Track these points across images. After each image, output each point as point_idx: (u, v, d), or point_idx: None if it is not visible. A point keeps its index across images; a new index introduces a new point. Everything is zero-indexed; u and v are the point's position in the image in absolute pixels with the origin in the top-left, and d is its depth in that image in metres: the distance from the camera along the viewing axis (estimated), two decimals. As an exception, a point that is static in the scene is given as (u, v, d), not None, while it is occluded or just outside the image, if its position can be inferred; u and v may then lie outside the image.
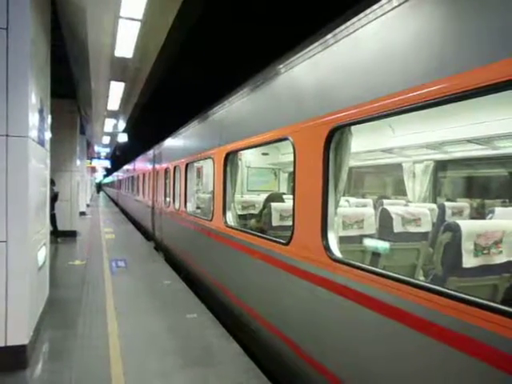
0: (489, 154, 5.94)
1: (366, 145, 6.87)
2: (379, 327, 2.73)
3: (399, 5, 2.65)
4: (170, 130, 10.83)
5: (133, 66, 8.19)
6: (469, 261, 2.96)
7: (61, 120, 11.10)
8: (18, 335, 4.10)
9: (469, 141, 5.68)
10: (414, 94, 2.45)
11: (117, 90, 10.11)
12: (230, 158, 5.87)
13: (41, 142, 4.86)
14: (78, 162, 14.75)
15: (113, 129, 16.87)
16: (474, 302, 2.09)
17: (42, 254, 5.06)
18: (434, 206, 6.04)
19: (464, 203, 6.42)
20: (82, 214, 19.37)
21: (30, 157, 4.19)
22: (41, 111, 4.85)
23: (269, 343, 4.41)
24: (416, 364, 2.47)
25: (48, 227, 5.95)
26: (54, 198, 11.42)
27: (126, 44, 6.83)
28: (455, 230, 3.00)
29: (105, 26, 6.08)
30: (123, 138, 18.64)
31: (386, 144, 6.80)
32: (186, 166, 8.47)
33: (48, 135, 5.52)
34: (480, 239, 3.01)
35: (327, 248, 3.29)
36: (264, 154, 9.73)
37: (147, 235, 14.57)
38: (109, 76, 8.90)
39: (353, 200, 7.24)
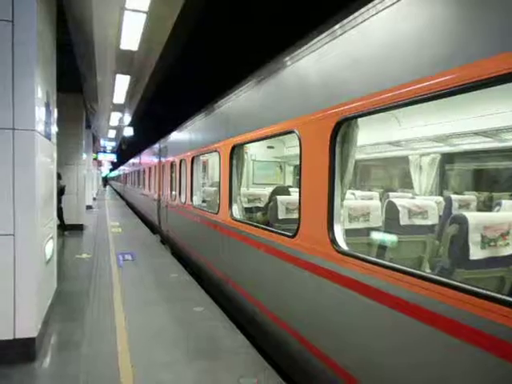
0: (496, 146, 5.91)
1: (373, 137, 6.87)
2: (385, 319, 2.73)
3: None
4: (176, 123, 10.81)
5: (138, 59, 8.17)
6: (476, 253, 2.98)
7: (67, 114, 11.08)
8: (27, 328, 4.12)
9: (476, 133, 5.64)
10: (421, 85, 2.42)
11: (122, 83, 10.09)
12: (236, 151, 5.86)
13: (47, 136, 4.85)
14: (84, 156, 14.78)
15: (118, 122, 16.88)
16: (480, 294, 2.08)
17: (50, 248, 5.07)
18: (440, 198, 6.02)
19: (471, 196, 6.37)
20: (89, 207, 19.44)
21: (37, 150, 4.18)
22: (47, 105, 4.84)
23: (274, 334, 4.43)
24: (419, 355, 2.47)
25: (55, 221, 5.96)
26: (61, 191, 11.47)
27: (131, 36, 6.80)
28: (462, 222, 3.02)
29: (110, 18, 6.06)
30: (129, 131, 18.66)
31: (393, 137, 6.78)
32: (192, 159, 8.47)
33: (54, 129, 5.51)
34: (487, 231, 3.01)
35: (333, 240, 3.30)
36: (269, 147, 9.73)
37: (153, 229, 14.60)
38: (114, 69, 8.88)
39: (359, 193, 7.22)
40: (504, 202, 5.03)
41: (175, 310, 5.70)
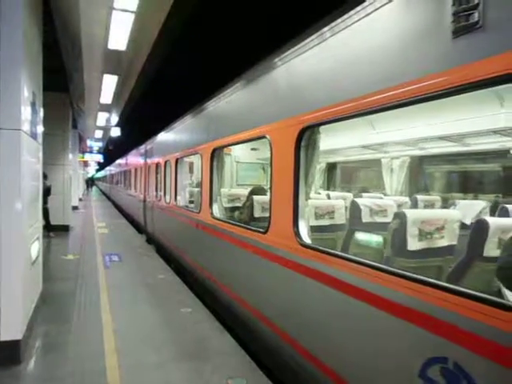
0: (460, 150, 6.34)
1: (349, 141, 7.43)
2: (341, 304, 3.07)
3: (364, 16, 2.93)
4: (164, 124, 10.80)
5: (126, 59, 8.12)
6: (413, 244, 3.40)
7: (53, 113, 10.94)
8: (12, 330, 4.05)
9: (441, 138, 6.03)
10: (373, 98, 2.75)
11: (110, 83, 10.01)
12: (217, 154, 6.20)
13: (33, 136, 4.80)
14: (71, 156, 14.62)
15: (106, 123, 16.73)
16: (414, 279, 2.41)
17: (35, 249, 5.01)
18: (407, 199, 6.40)
19: (436, 197, 6.78)
20: (75, 208, 19.24)
21: (23, 150, 4.13)
22: (33, 104, 4.78)
23: (249, 322, 4.72)
24: (363, 328, 2.84)
25: (41, 221, 5.89)
26: (47, 191, 11.34)
27: (119, 36, 6.75)
28: (402, 217, 3.45)
29: (98, 17, 6.00)
30: (116, 132, 18.49)
31: (368, 140, 7.18)
32: (176, 161, 8.75)
33: (40, 128, 5.45)
34: (424, 225, 3.44)
35: (298, 235, 3.66)
36: (253, 149, 9.87)
37: (139, 229, 14.60)
38: (102, 69, 8.81)
39: (333, 194, 7.70)
40: (460, 201, 5.47)
41: (163, 311, 5.68)
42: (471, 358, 2.05)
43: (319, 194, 8.30)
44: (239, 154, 9.83)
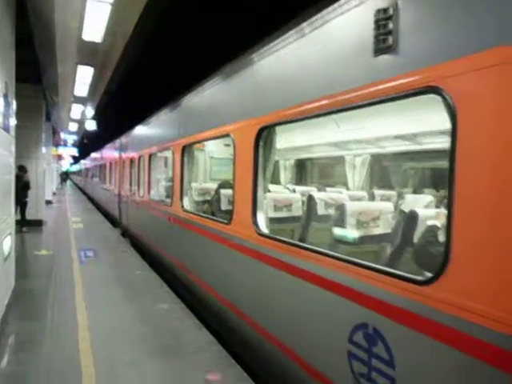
0: (414, 148, 6.76)
1: (316, 138, 7.85)
2: (290, 284, 3.42)
3: (309, 33, 3.30)
4: (140, 117, 10.67)
5: (102, 51, 7.96)
6: (352, 232, 3.79)
7: (25, 105, 10.61)
8: (-17, 328, 3.96)
9: (396, 137, 6.42)
10: (315, 104, 3.12)
11: (85, 75, 9.85)
12: (188, 150, 6.52)
13: (6, 128, 4.67)
14: (44, 149, 14.28)
15: (81, 116, 16.41)
16: (349, 262, 2.80)
17: (7, 244, 4.89)
18: (365, 193, 6.75)
19: (392, 192, 7.16)
20: (49, 202, 18.85)
21: (-5, 143, 4.02)
22: (5, 96, 4.65)
23: (213, 304, 5.09)
24: (315, 309, 3.17)
25: (13, 216, 5.75)
26: (26, 185, 11.11)
27: (95, 27, 6.62)
28: (342, 209, 3.86)
29: (73, 7, 5.87)
30: (91, 125, 18.15)
31: (333, 138, 7.56)
32: (150, 156, 8.98)
33: (13, 121, 5.32)
34: (361, 216, 3.85)
35: (256, 225, 4.00)
36: (226, 145, 9.92)
37: (114, 223, 14.49)
38: (76, 60, 8.62)
39: (299, 188, 8.08)
40: (408, 196, 5.90)
41: (139, 308, 5.63)
42: (386, 323, 2.45)
43: (287, 188, 8.45)
44: (213, 149, 9.90)
